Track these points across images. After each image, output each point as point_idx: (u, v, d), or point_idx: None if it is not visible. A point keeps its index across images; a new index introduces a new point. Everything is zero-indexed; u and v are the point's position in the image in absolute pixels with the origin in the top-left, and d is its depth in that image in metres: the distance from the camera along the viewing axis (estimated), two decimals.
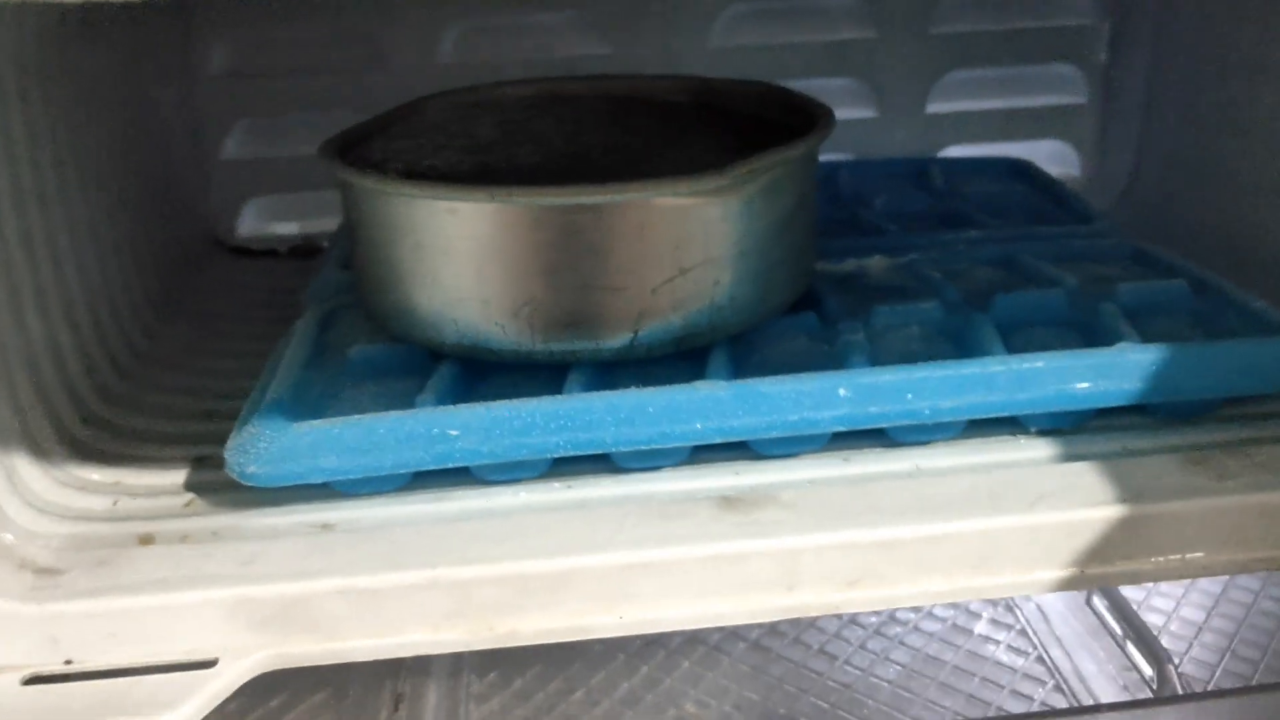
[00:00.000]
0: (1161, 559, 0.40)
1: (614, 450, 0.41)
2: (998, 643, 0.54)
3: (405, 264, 0.44)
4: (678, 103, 0.57)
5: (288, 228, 0.71)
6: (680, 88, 0.58)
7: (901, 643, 0.55)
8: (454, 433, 0.41)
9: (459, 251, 0.43)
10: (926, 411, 0.41)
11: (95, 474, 0.45)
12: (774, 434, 0.41)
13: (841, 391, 0.41)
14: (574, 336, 0.43)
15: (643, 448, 0.41)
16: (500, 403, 0.41)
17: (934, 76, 0.70)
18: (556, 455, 0.41)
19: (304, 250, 0.69)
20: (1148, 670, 0.49)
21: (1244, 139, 0.58)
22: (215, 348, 0.57)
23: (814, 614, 0.40)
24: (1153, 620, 0.54)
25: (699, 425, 0.41)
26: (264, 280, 0.66)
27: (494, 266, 0.42)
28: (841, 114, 0.69)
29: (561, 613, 0.39)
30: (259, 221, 0.70)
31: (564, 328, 0.43)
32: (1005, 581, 0.40)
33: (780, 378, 0.41)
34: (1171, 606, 0.55)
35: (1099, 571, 0.40)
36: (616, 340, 0.43)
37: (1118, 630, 0.52)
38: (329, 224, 0.67)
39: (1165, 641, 0.52)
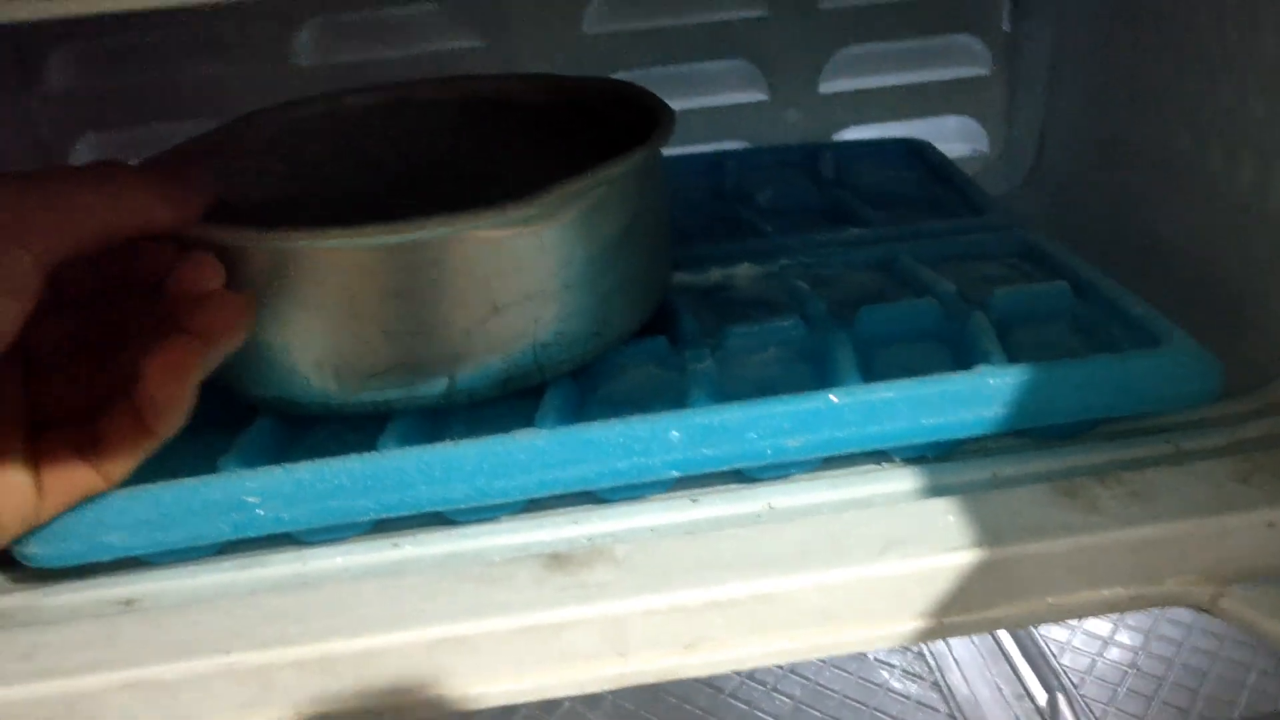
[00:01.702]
0: (1026, 604, 0.37)
1: (428, 510, 0.38)
2: (893, 668, 0.51)
3: None
4: (531, 104, 0.53)
5: None
6: (533, 88, 0.53)
7: (792, 672, 0.52)
8: (253, 500, 0.37)
9: (273, 302, 0.39)
10: (769, 452, 0.38)
11: None
12: (603, 484, 0.38)
13: (673, 434, 0.38)
14: (386, 386, 0.39)
15: (460, 506, 0.38)
16: (301, 464, 0.37)
17: (826, 54, 0.65)
18: (366, 519, 0.38)
19: None
20: (1042, 698, 0.46)
21: (1144, 116, 0.54)
22: None
23: (650, 680, 0.37)
24: (1057, 635, 0.51)
25: (521, 479, 0.37)
26: None
27: (290, 313, 0.38)
28: (731, 98, 0.67)
29: (372, 693, 0.36)
30: None
31: (372, 377, 0.39)
32: (855, 637, 0.37)
33: (606, 422, 0.38)
34: (1075, 620, 0.52)
35: (958, 620, 0.37)
36: (432, 387, 0.39)
37: (1015, 652, 0.49)
38: None
39: (1068, 658, 0.49)
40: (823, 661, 0.52)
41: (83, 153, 0.64)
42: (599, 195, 0.40)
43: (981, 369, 0.39)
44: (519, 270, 0.39)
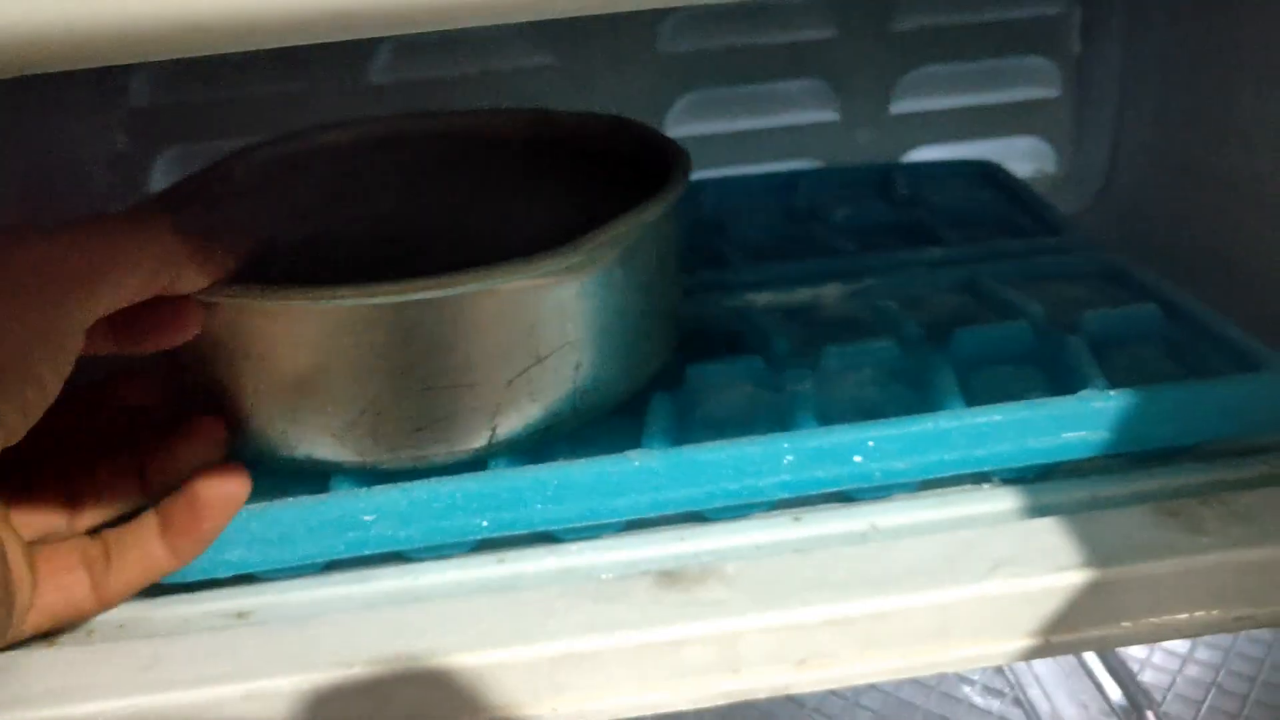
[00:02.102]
0: (1132, 623, 0.38)
1: (540, 529, 0.39)
2: (973, 683, 0.52)
3: (221, 372, 0.39)
4: (521, 140, 0.52)
5: None
6: (523, 122, 0.52)
7: (873, 685, 0.52)
8: (369, 518, 0.38)
9: (279, 358, 0.38)
10: (878, 474, 0.38)
11: None
12: (714, 504, 0.39)
13: (785, 457, 0.38)
14: (424, 443, 0.39)
15: (572, 525, 0.38)
16: (418, 484, 0.38)
17: (898, 74, 0.66)
18: (480, 537, 0.38)
19: None
20: (1126, 715, 0.46)
21: (1218, 137, 0.54)
22: None
23: (761, 696, 0.38)
24: (1135, 653, 0.52)
25: (633, 499, 0.38)
26: None
27: (320, 373, 0.38)
28: (802, 117, 0.67)
29: (489, 708, 0.36)
30: None
31: (410, 434, 0.38)
32: (964, 654, 0.37)
33: (719, 444, 0.38)
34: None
35: (1065, 639, 0.38)
36: (472, 441, 0.39)
37: (1098, 667, 0.49)
38: None
39: (1148, 676, 0.50)
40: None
41: (161, 167, 0.65)
42: (635, 239, 0.39)
43: (1086, 392, 0.39)
44: (562, 318, 0.38)
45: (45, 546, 0.37)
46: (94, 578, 0.37)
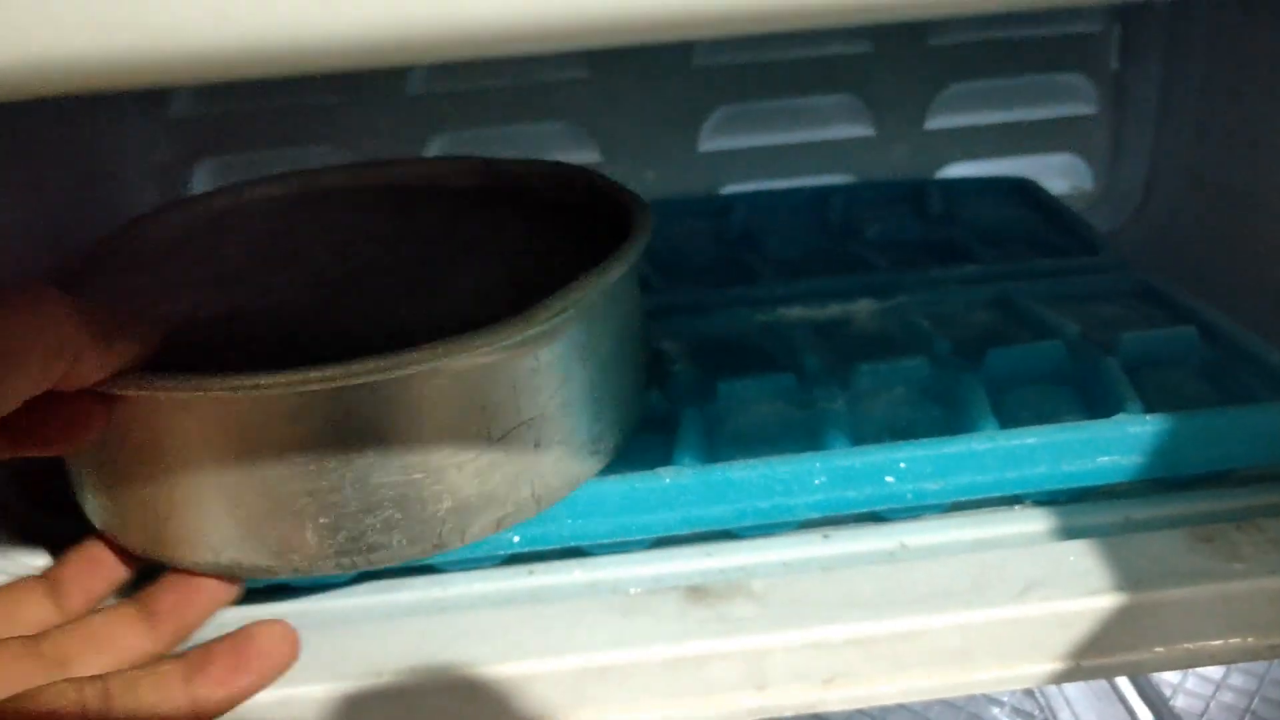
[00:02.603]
0: (1165, 649, 0.37)
1: (573, 544, 0.39)
2: (1002, 704, 0.52)
3: (132, 472, 0.34)
4: (464, 189, 0.48)
5: None
6: (465, 170, 0.49)
7: (902, 705, 0.52)
8: None
9: (197, 456, 0.33)
10: (909, 495, 0.38)
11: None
12: (744, 523, 0.39)
13: (817, 477, 0.38)
14: (363, 547, 0.35)
15: (603, 541, 0.39)
16: None
17: (933, 90, 0.66)
18: (509, 551, 0.38)
19: None
20: None
21: (1261, 158, 0.54)
22: None
23: (788, 714, 0.38)
24: (1168, 678, 0.51)
25: (663, 516, 0.38)
26: None
27: (245, 471, 0.33)
28: (837, 132, 0.67)
29: (516, 719, 0.37)
30: None
31: (351, 537, 0.34)
32: (993, 676, 0.37)
33: (751, 463, 0.38)
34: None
35: (1097, 663, 0.37)
36: (421, 543, 0.35)
37: (1130, 692, 0.49)
38: None
39: (1180, 701, 0.49)
40: None
41: (200, 177, 0.66)
42: (597, 301, 0.36)
43: (1121, 417, 0.39)
44: (516, 393, 0.34)
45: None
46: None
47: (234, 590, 0.37)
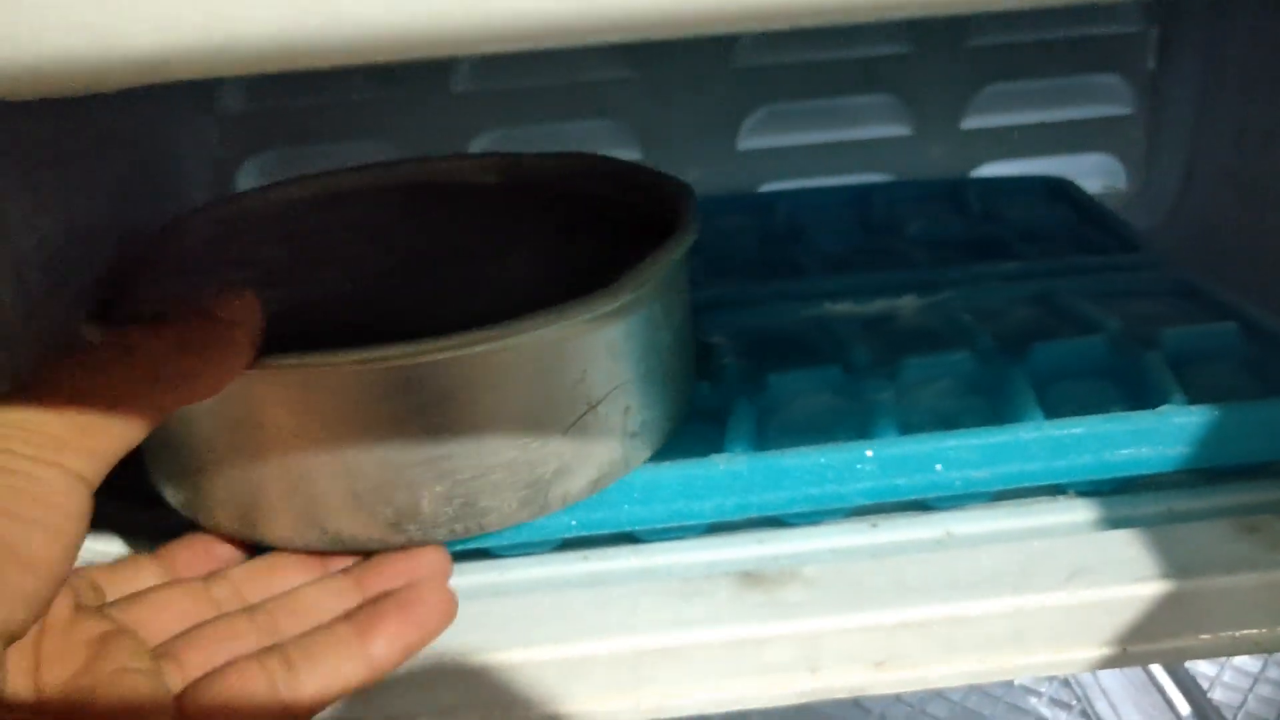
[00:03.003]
0: (1210, 636, 0.38)
1: (628, 529, 0.40)
2: (1040, 694, 0.52)
3: (232, 453, 0.35)
4: (489, 186, 0.49)
5: None
6: (488, 167, 0.49)
7: (940, 694, 0.53)
8: None
9: (317, 435, 0.34)
10: (958, 483, 0.39)
11: None
12: (795, 509, 0.40)
13: (867, 465, 0.39)
14: (470, 513, 0.36)
15: (657, 526, 0.40)
16: None
17: (971, 91, 0.67)
18: (565, 536, 0.39)
19: None
20: None
21: None
22: None
23: (839, 695, 0.38)
24: (1205, 670, 0.52)
25: (717, 502, 0.39)
26: None
27: (357, 446, 0.34)
28: (875, 132, 0.68)
29: (575, 699, 0.38)
30: None
31: (459, 506, 0.36)
32: (1041, 660, 0.38)
33: (803, 450, 0.39)
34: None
35: (1143, 649, 0.38)
36: (529, 506, 0.37)
37: (1168, 683, 0.50)
38: None
39: (1218, 693, 0.50)
40: (970, 685, 0.53)
41: (251, 170, 0.67)
42: (667, 276, 0.38)
43: (1166, 408, 0.40)
44: (613, 360, 0.37)
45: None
46: (274, 692, 0.32)
47: None
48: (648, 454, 0.39)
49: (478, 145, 0.67)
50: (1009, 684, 0.53)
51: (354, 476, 0.35)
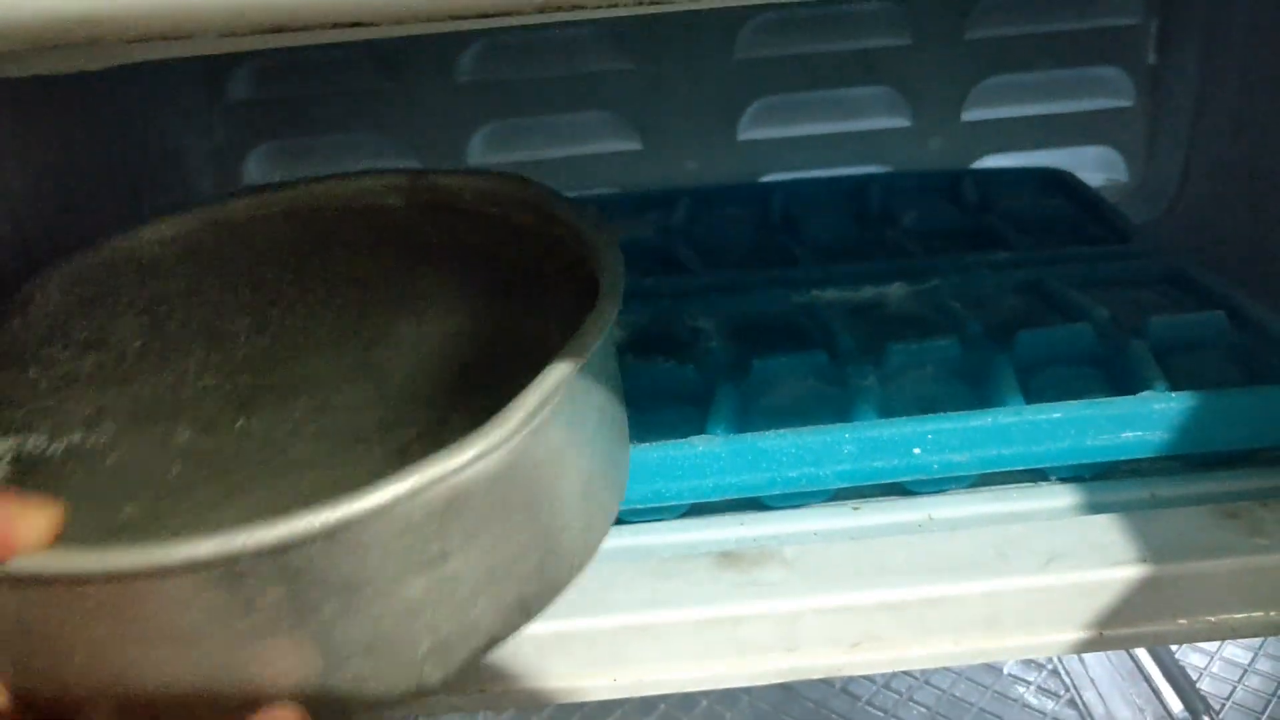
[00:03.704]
0: (1188, 621, 0.38)
1: None
2: (1028, 683, 0.52)
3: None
4: (394, 209, 0.41)
5: None
6: (394, 189, 0.41)
7: (927, 682, 0.53)
8: None
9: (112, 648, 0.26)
10: (936, 466, 0.39)
11: None
12: (774, 490, 0.40)
13: (845, 447, 0.39)
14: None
15: (637, 506, 0.40)
16: None
17: (970, 83, 0.67)
18: None
19: None
20: None
21: None
22: None
23: (816, 676, 0.39)
24: (1194, 661, 0.52)
25: (695, 483, 0.39)
26: None
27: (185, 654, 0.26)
28: (874, 124, 0.68)
29: (553, 675, 0.38)
30: None
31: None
32: (1017, 644, 0.38)
33: (781, 432, 0.40)
34: (1215, 645, 0.53)
35: (1119, 633, 0.38)
36: (399, 685, 0.29)
37: (1155, 672, 0.49)
38: None
39: (1206, 684, 0.50)
40: (958, 673, 0.53)
41: (255, 160, 0.68)
42: (571, 387, 0.30)
43: (1146, 394, 0.40)
44: (483, 507, 0.28)
45: None
46: None
47: None
48: (553, 591, 0.32)
49: (479, 137, 0.68)
50: (997, 672, 0.53)
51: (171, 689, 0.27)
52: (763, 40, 0.66)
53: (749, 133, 0.68)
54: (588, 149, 0.68)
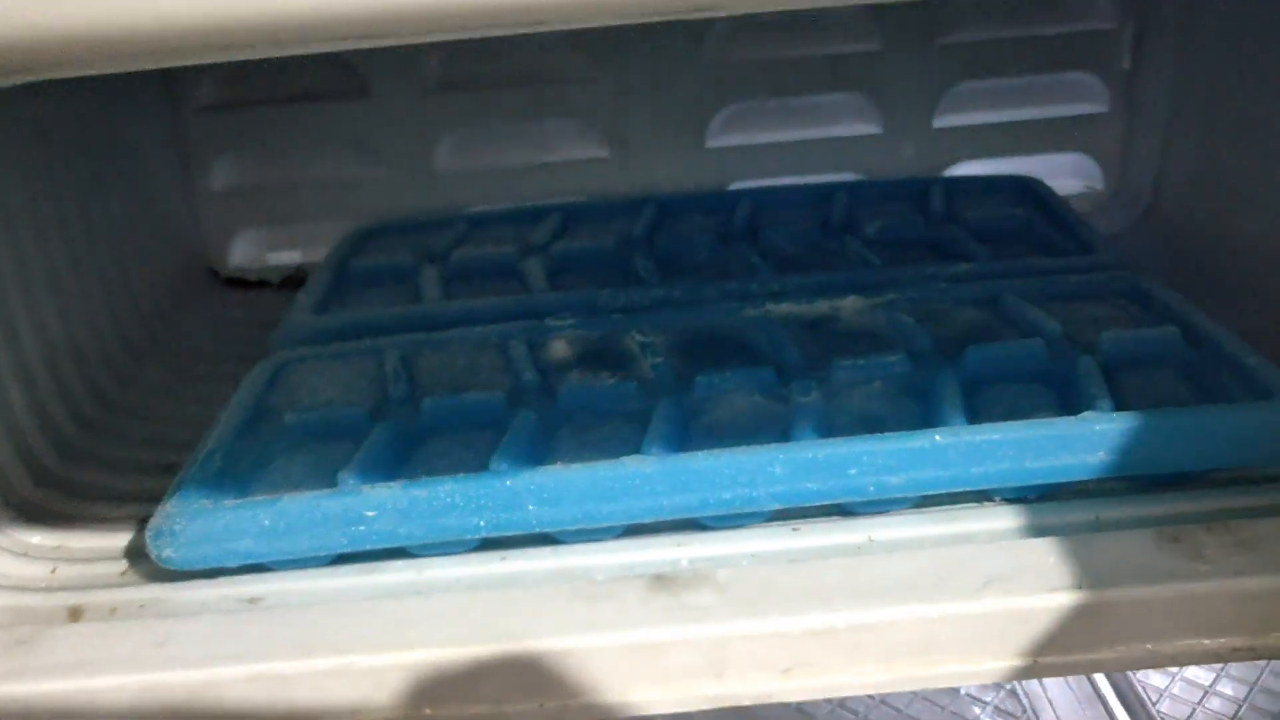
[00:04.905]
0: (1125, 648, 0.37)
1: (539, 530, 0.39)
2: (985, 704, 0.51)
3: None
4: None
5: (283, 257, 0.70)
6: None
7: (883, 701, 0.52)
8: (371, 514, 0.39)
9: None
10: (871, 488, 0.39)
11: (38, 538, 0.45)
12: (706, 512, 0.39)
13: (779, 468, 0.39)
14: None
15: (568, 528, 0.39)
16: (419, 482, 0.39)
17: (942, 89, 0.66)
18: (478, 536, 0.39)
19: (296, 281, 0.68)
20: None
21: (1267, 159, 0.53)
22: (188, 393, 0.57)
23: (745, 703, 0.38)
24: (1155, 681, 0.51)
25: (627, 504, 0.39)
26: (251, 314, 0.66)
27: None
28: (845, 130, 0.67)
29: (479, 700, 0.38)
30: (254, 251, 0.70)
31: None
32: (950, 671, 0.37)
33: (713, 452, 0.39)
34: (1178, 667, 0.52)
35: (1055, 661, 0.37)
36: None
37: (1111, 695, 0.49)
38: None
39: (1166, 705, 0.49)
40: (914, 694, 0.53)
41: (222, 168, 0.68)
42: None
43: (1088, 415, 0.39)
44: None
45: None
46: None
47: None
48: None
49: (444, 145, 0.67)
50: (954, 693, 0.53)
51: None
52: (730, 45, 0.65)
53: (718, 139, 0.67)
54: (555, 156, 0.67)
